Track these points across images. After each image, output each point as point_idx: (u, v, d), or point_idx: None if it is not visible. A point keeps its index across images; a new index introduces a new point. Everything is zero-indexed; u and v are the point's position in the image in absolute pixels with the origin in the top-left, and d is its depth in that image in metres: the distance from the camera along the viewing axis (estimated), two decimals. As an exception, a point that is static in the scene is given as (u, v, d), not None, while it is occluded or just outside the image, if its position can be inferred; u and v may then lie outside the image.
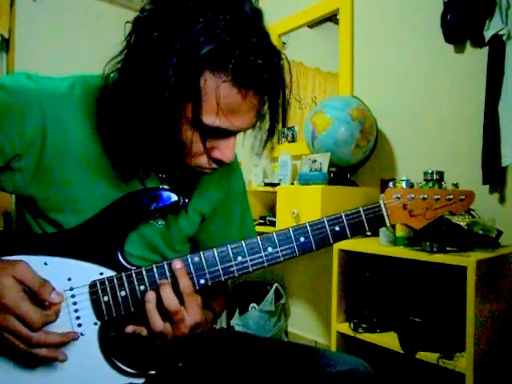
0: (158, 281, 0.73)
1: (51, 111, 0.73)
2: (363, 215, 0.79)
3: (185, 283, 0.72)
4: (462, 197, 0.82)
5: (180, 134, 0.68)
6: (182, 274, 0.72)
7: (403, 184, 0.84)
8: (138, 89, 0.64)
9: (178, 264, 0.73)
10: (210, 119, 0.65)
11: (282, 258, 0.76)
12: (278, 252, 0.76)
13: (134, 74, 0.65)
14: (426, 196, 0.81)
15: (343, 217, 0.78)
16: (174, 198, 0.79)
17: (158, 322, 0.71)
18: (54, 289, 0.70)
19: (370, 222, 0.79)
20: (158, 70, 0.61)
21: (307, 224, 0.77)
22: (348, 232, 0.78)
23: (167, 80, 0.61)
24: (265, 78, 0.64)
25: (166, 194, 0.79)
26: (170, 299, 0.71)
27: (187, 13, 0.62)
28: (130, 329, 0.73)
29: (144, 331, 0.73)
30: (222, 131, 0.68)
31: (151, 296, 0.71)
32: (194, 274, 0.74)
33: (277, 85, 0.69)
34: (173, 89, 0.62)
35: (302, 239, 0.77)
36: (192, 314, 0.72)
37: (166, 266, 0.74)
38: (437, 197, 0.82)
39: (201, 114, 0.64)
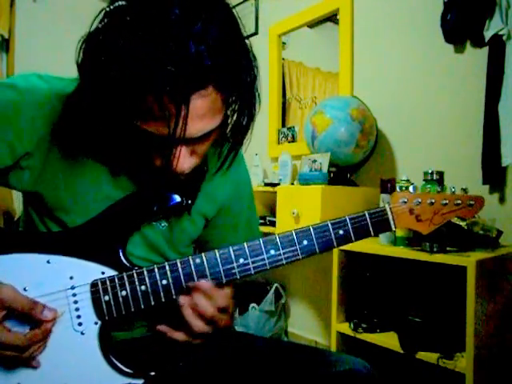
0: (158, 282, 0.73)
1: (61, 111, 0.73)
2: (368, 219, 0.78)
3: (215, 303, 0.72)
4: (471, 202, 0.80)
5: (129, 136, 0.66)
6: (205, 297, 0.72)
7: (410, 188, 0.82)
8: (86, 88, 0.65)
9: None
10: (142, 123, 0.62)
11: (284, 261, 0.75)
12: (280, 255, 0.75)
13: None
14: (433, 201, 0.80)
15: (347, 220, 0.77)
16: (177, 199, 0.78)
17: (199, 325, 0.72)
18: (44, 306, 0.70)
19: (375, 226, 0.78)
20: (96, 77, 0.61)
21: (311, 227, 0.77)
22: (352, 236, 0.77)
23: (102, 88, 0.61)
24: (180, 86, 0.58)
25: (169, 195, 0.79)
26: (204, 305, 0.71)
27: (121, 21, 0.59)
28: (162, 328, 0.73)
29: (179, 335, 0.73)
30: (161, 138, 0.63)
31: (184, 300, 0.72)
32: (194, 276, 0.74)
33: (189, 90, 0.59)
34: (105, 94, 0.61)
35: (305, 242, 0.76)
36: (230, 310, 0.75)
37: (167, 267, 0.74)
38: (445, 202, 0.80)
39: (133, 118, 0.62)
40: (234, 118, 0.70)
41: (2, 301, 0.66)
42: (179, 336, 0.73)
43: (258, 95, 0.70)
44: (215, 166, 0.83)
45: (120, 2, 0.60)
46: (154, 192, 0.79)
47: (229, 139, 0.75)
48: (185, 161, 0.67)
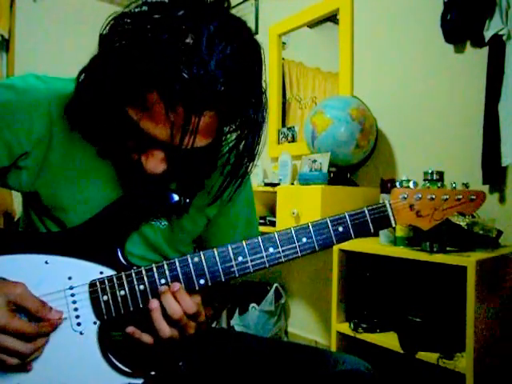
0: (157, 281, 0.73)
1: (58, 111, 0.74)
2: (368, 215, 0.77)
3: (184, 305, 0.71)
4: (473, 197, 0.79)
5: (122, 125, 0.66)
6: (171, 301, 0.71)
7: (411, 184, 0.81)
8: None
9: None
10: (134, 113, 0.63)
11: (283, 259, 0.75)
12: (279, 252, 0.75)
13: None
14: (433, 196, 0.79)
15: (347, 217, 0.77)
16: (176, 198, 0.78)
17: (166, 330, 0.71)
18: (51, 308, 0.70)
19: (375, 222, 0.77)
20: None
21: (310, 224, 0.76)
22: (352, 232, 0.77)
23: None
24: (192, 95, 0.59)
25: (167, 193, 0.78)
26: (173, 308, 0.70)
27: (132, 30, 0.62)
28: (130, 329, 0.72)
29: (146, 338, 0.72)
30: (145, 134, 0.64)
31: (155, 304, 0.71)
32: (193, 274, 0.74)
33: (208, 102, 0.61)
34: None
35: (304, 240, 0.75)
36: (199, 318, 0.73)
37: (165, 266, 0.73)
38: (445, 197, 0.79)
39: (127, 102, 0.63)
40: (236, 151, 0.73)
41: (14, 297, 0.67)
42: (147, 339, 0.72)
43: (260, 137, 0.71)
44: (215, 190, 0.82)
45: None
46: (153, 191, 0.79)
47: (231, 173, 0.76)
48: (158, 164, 0.68)
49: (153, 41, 0.59)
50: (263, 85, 0.69)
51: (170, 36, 0.58)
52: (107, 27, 0.64)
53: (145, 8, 0.62)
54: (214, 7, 0.64)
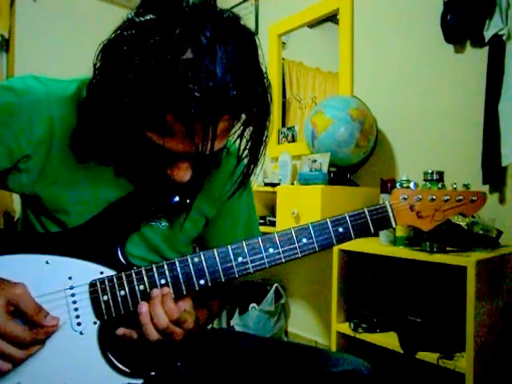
0: (157, 281, 0.73)
1: (59, 113, 0.73)
2: (368, 216, 0.77)
3: (168, 310, 0.71)
4: (474, 198, 0.79)
5: (142, 142, 0.66)
6: (159, 306, 0.71)
7: (411, 185, 0.81)
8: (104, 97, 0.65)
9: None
10: (154, 136, 0.64)
11: (283, 260, 0.75)
12: (279, 253, 0.75)
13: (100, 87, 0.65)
14: (434, 197, 0.79)
15: (347, 218, 0.77)
16: (176, 198, 0.78)
17: (153, 334, 0.71)
18: (48, 313, 0.70)
19: (375, 223, 0.78)
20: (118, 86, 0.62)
21: (310, 225, 0.76)
22: (352, 233, 0.77)
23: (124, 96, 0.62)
24: (208, 109, 0.59)
25: (168, 194, 0.78)
26: (158, 315, 0.71)
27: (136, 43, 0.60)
28: (120, 331, 0.73)
29: (135, 334, 0.73)
30: (170, 152, 0.65)
31: (144, 308, 0.71)
32: (193, 275, 0.74)
33: (216, 114, 0.61)
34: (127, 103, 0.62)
35: (304, 240, 0.76)
36: (185, 325, 0.73)
37: (165, 266, 0.74)
38: (446, 198, 0.79)
39: (145, 129, 0.63)
40: (247, 141, 0.72)
41: (13, 298, 0.66)
42: (135, 335, 0.73)
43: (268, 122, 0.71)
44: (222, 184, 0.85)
45: (149, 16, 0.60)
46: (153, 192, 0.79)
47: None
48: (186, 173, 0.69)
49: (156, 68, 0.58)
50: (263, 68, 0.68)
51: (171, 58, 0.57)
52: (99, 56, 0.63)
53: (133, 31, 0.60)
54: (201, 11, 0.62)
